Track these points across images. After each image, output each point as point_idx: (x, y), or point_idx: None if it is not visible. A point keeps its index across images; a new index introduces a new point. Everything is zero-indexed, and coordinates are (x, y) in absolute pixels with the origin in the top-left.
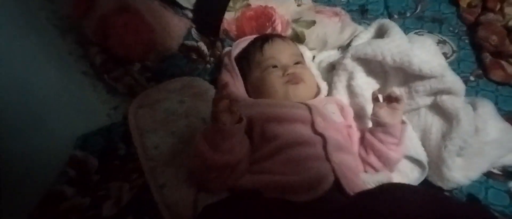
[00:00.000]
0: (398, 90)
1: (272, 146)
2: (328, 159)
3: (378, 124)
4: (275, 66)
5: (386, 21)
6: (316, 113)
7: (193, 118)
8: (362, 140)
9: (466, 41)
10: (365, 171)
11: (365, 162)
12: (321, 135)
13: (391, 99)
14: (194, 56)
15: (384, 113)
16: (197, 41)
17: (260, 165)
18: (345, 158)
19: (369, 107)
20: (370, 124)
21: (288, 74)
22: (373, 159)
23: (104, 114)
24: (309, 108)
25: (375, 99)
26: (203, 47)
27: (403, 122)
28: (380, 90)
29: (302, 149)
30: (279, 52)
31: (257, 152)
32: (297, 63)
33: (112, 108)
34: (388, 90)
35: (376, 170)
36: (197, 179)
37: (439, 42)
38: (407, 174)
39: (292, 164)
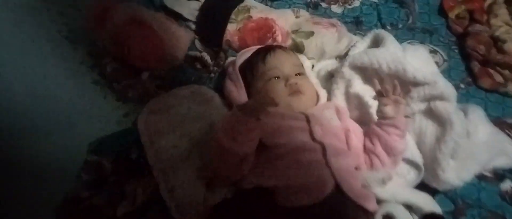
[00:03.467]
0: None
1: (273, 153)
2: (327, 165)
3: (384, 118)
4: (277, 77)
5: (382, 32)
6: (314, 122)
7: (203, 123)
8: (368, 134)
9: (456, 50)
10: (371, 166)
11: (371, 153)
12: (319, 142)
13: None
14: (198, 66)
15: (389, 109)
16: (200, 52)
17: (262, 169)
18: (344, 162)
19: (367, 112)
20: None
21: (290, 85)
22: (379, 149)
23: (115, 121)
24: (307, 118)
25: (379, 94)
26: (207, 57)
27: (406, 116)
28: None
29: (303, 156)
30: (281, 63)
31: (258, 157)
32: (298, 74)
33: (123, 115)
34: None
35: (382, 161)
36: (209, 169)
37: (430, 52)
38: (404, 176)
39: (294, 170)
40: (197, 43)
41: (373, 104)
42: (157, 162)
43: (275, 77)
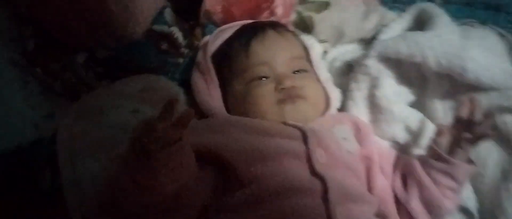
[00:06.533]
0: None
1: (248, 193)
2: (329, 216)
3: (438, 158)
4: (265, 77)
5: (429, 6)
6: (315, 143)
7: None
8: (403, 173)
9: None
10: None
11: (401, 206)
12: (321, 178)
13: (464, 125)
14: (165, 46)
15: (446, 141)
16: (170, 26)
17: (229, 218)
18: (357, 212)
19: (398, 129)
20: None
21: (283, 89)
22: (416, 204)
23: (32, 124)
24: (305, 135)
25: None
26: (178, 34)
27: (469, 161)
28: (414, 104)
29: (292, 200)
30: (273, 55)
31: (225, 198)
32: (297, 71)
33: (44, 116)
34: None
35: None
36: None
37: None
38: None
39: None
40: (168, 14)
41: (417, 122)
42: (78, 200)
43: (261, 77)
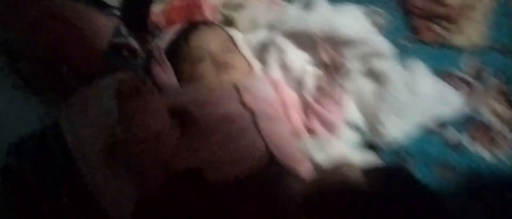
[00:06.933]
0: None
1: (202, 125)
2: (258, 131)
3: (323, 91)
4: (203, 57)
5: None
6: (245, 91)
7: None
8: (304, 107)
9: (398, 8)
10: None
11: (307, 128)
12: (250, 109)
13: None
14: (125, 53)
15: (323, 79)
16: (126, 38)
17: (194, 146)
18: (278, 129)
19: (304, 79)
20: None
21: (218, 63)
22: (315, 123)
23: (36, 119)
24: (237, 88)
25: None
26: (133, 42)
27: (341, 86)
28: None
29: (233, 125)
30: (206, 41)
31: (189, 136)
32: (225, 49)
33: (44, 114)
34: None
35: (318, 134)
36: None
37: (373, 13)
38: (346, 138)
39: (225, 142)
40: (123, 29)
41: (309, 72)
42: (81, 158)
43: (201, 58)
